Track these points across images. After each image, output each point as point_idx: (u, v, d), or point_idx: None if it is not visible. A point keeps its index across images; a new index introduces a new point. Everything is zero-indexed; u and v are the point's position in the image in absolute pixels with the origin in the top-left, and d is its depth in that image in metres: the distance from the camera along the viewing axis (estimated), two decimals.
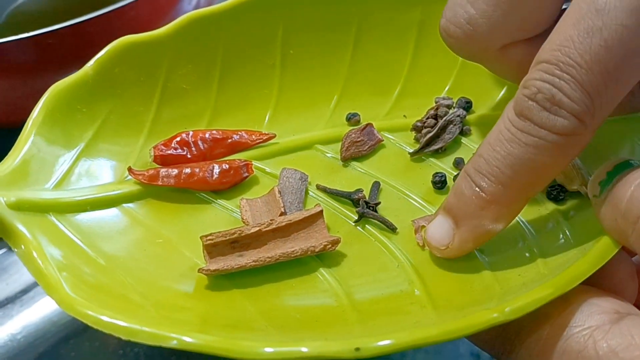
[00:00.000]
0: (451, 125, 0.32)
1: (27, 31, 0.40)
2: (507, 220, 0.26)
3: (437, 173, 0.30)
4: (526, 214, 0.28)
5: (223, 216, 0.30)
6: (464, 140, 0.33)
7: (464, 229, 0.26)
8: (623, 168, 0.24)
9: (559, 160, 0.24)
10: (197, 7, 0.50)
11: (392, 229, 0.29)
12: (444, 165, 0.32)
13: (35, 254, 0.23)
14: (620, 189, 0.23)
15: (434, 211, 0.30)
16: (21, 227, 0.24)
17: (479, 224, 0.25)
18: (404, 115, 0.34)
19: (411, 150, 0.32)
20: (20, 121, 0.28)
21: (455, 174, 0.31)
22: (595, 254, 0.24)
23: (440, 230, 0.26)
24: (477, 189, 0.25)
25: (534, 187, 0.25)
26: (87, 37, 0.41)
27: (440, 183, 0.30)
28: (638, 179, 0.23)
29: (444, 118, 0.32)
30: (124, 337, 0.21)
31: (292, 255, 0.27)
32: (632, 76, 0.23)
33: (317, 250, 0.27)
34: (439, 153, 0.32)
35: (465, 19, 0.25)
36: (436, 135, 0.32)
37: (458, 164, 0.31)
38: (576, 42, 0.22)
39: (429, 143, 0.32)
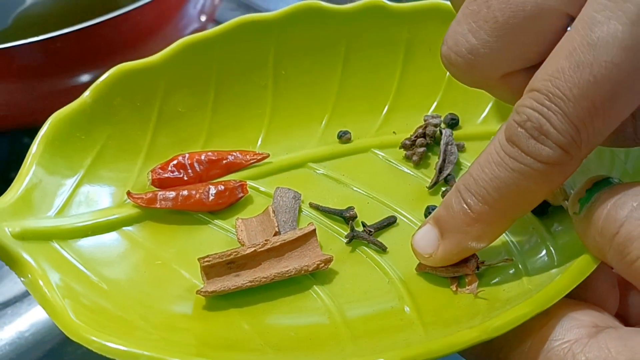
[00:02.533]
0: (449, 146, 0.33)
1: (33, 35, 0.40)
2: (490, 239, 0.27)
3: (430, 207, 0.31)
4: (512, 229, 0.29)
5: (219, 236, 0.31)
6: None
7: (448, 241, 0.27)
8: (602, 186, 0.25)
9: (543, 187, 0.24)
10: (202, 11, 0.50)
11: (382, 249, 0.30)
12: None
13: (41, 283, 0.24)
14: (597, 207, 0.24)
15: None
16: (27, 257, 0.25)
17: (463, 239, 0.26)
18: (394, 132, 0.35)
19: (428, 184, 0.33)
20: (26, 124, 0.28)
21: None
22: (576, 269, 0.25)
23: (426, 238, 0.27)
24: (464, 205, 0.26)
25: (519, 210, 0.26)
26: (93, 42, 0.42)
27: None
28: (614, 196, 0.24)
29: (441, 143, 0.33)
30: None
31: (287, 275, 0.28)
32: (620, 112, 0.23)
33: (310, 269, 0.28)
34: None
35: (467, 48, 0.25)
36: (443, 160, 0.33)
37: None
38: (566, 74, 0.22)
39: (441, 171, 0.32)
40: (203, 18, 0.51)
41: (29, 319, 0.38)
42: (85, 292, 0.26)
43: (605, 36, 0.21)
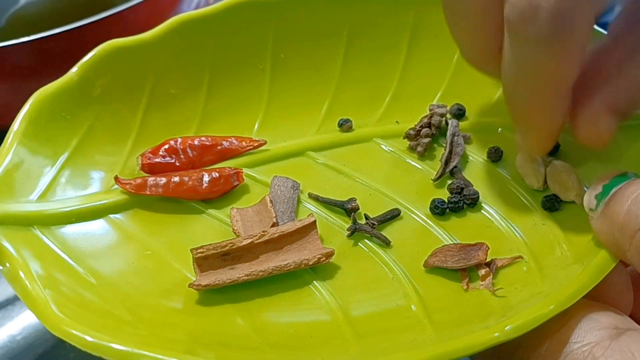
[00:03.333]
0: (456, 137, 0.31)
1: (27, 35, 0.39)
2: (560, 117, 0.26)
3: (435, 200, 0.29)
4: (522, 226, 0.28)
5: (213, 226, 0.29)
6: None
7: (533, 135, 0.28)
8: (620, 181, 0.24)
9: (564, 60, 0.24)
10: (197, 8, 0.49)
11: (386, 243, 0.28)
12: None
13: (21, 274, 0.22)
14: (616, 202, 0.23)
15: (427, 220, 0.29)
16: (6, 244, 0.23)
17: (539, 127, 0.27)
18: (397, 121, 0.33)
19: (434, 177, 0.31)
20: None
21: (451, 198, 0.30)
22: (594, 268, 0.24)
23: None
24: (519, 105, 0.27)
25: (561, 85, 0.25)
26: (86, 41, 0.40)
27: (438, 209, 0.29)
28: (635, 192, 0.23)
29: (448, 134, 0.31)
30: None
31: (285, 269, 0.27)
32: None
33: (310, 263, 0.27)
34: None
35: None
36: (449, 152, 0.31)
37: (451, 190, 0.30)
38: None
39: (447, 163, 0.31)
40: None
41: (21, 323, 0.36)
42: (68, 283, 0.24)
43: None
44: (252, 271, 0.26)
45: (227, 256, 0.27)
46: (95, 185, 0.29)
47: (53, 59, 0.41)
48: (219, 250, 0.26)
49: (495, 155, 0.31)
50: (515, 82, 0.25)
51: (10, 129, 0.27)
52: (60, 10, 0.52)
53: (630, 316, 0.26)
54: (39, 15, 0.52)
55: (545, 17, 0.22)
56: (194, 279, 0.26)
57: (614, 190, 0.24)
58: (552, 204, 0.29)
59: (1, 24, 0.52)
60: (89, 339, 0.21)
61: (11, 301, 0.37)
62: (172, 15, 0.41)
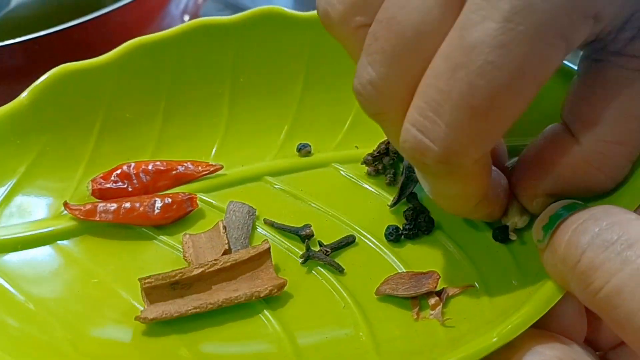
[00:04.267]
0: None
1: (19, 36, 0.39)
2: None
3: (390, 226, 0.29)
4: (476, 254, 0.28)
5: (165, 253, 0.29)
6: None
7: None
8: (566, 211, 0.24)
9: (455, 191, 0.24)
10: (184, 11, 0.49)
11: (339, 270, 0.28)
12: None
13: None
14: (559, 233, 0.23)
15: (382, 247, 0.29)
16: None
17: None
18: (356, 146, 0.33)
19: (390, 203, 0.31)
20: None
21: (406, 225, 0.30)
22: (541, 299, 0.24)
23: None
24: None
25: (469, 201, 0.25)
26: (75, 43, 0.41)
27: (393, 236, 0.29)
28: (575, 222, 0.23)
29: (404, 160, 0.31)
30: None
31: (236, 301, 0.26)
32: (502, 112, 0.21)
33: (262, 295, 0.26)
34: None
35: (367, 80, 0.23)
36: (406, 177, 0.31)
37: (406, 216, 0.30)
38: (444, 78, 0.20)
39: (403, 189, 0.31)
40: (186, 18, 0.51)
41: None
42: (7, 315, 0.23)
43: (481, 35, 0.20)
44: (202, 303, 0.26)
45: (177, 285, 0.26)
46: (44, 212, 0.28)
47: (44, 60, 0.40)
48: (168, 281, 0.26)
49: None
50: (430, 193, 0.25)
51: None
52: (51, 12, 0.52)
53: (586, 341, 0.26)
54: (30, 17, 0.52)
55: (432, 161, 0.21)
56: (142, 308, 0.26)
57: (558, 221, 0.24)
58: (504, 236, 0.28)
59: None
60: None
61: None
62: (160, 16, 0.41)
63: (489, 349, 0.22)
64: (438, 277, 0.26)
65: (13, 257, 0.26)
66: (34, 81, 0.29)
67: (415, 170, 0.25)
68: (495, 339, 0.22)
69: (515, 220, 0.27)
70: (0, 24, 0.52)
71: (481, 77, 0.20)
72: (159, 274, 0.26)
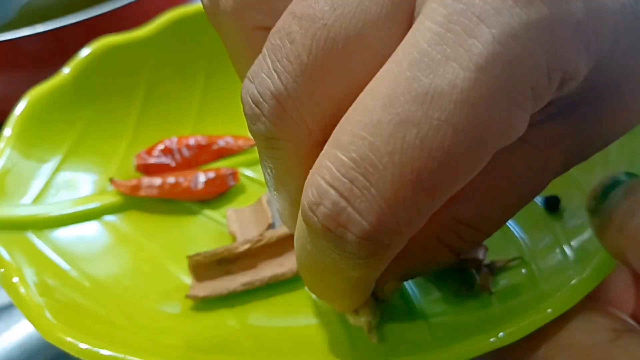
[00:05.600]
0: None
1: (40, 24, 0.39)
2: None
3: None
4: (522, 226, 0.28)
5: (209, 227, 0.29)
6: None
7: None
8: (619, 182, 0.24)
9: (364, 274, 0.18)
10: None
11: None
12: None
13: (15, 279, 0.22)
14: (617, 203, 0.23)
15: None
16: (0, 249, 0.23)
17: None
18: None
19: None
20: None
21: None
22: (594, 269, 0.23)
23: None
24: None
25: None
26: (100, 32, 0.40)
27: None
28: (634, 193, 0.23)
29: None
30: None
31: (282, 278, 0.26)
32: (453, 185, 0.16)
33: None
34: None
35: (273, 92, 0.17)
36: None
37: None
38: (384, 133, 0.15)
39: None
40: None
41: (20, 331, 0.36)
42: (62, 288, 0.24)
43: (441, 84, 0.15)
44: (249, 281, 0.26)
45: (224, 262, 0.26)
46: (90, 187, 0.29)
47: (65, 50, 0.40)
48: (216, 257, 0.26)
49: None
50: (308, 270, 0.19)
51: (3, 132, 0.26)
52: (70, 1, 0.51)
53: (631, 316, 0.26)
54: (51, 6, 0.52)
55: (355, 238, 0.16)
56: (189, 281, 0.26)
57: (614, 191, 0.23)
58: (552, 205, 0.28)
59: (13, 15, 0.51)
60: (82, 345, 0.21)
61: (8, 308, 0.37)
62: (185, 2, 0.41)
63: (543, 320, 0.22)
64: (486, 249, 0.26)
65: (63, 233, 0.26)
66: (60, 69, 0.29)
67: (297, 238, 0.18)
68: (550, 310, 0.22)
69: (369, 319, 0.23)
70: (21, 13, 0.52)
71: (436, 142, 0.15)
72: (206, 252, 0.26)
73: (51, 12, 0.51)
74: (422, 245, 0.21)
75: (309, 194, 0.16)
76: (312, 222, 0.17)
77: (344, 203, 0.16)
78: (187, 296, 0.25)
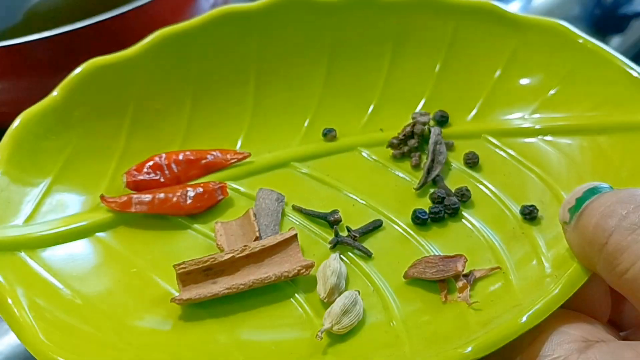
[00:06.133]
0: (438, 146, 0.32)
1: (44, 31, 0.39)
2: None
3: (417, 210, 0.30)
4: (502, 235, 0.28)
5: (198, 241, 0.30)
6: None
7: None
8: (592, 194, 0.24)
9: None
10: (214, 4, 0.49)
11: (367, 254, 0.29)
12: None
13: (9, 301, 0.23)
14: (587, 216, 0.23)
15: (409, 230, 0.29)
16: None
17: None
18: (381, 129, 0.34)
19: (416, 186, 0.31)
20: None
21: (432, 208, 0.30)
22: (568, 281, 0.24)
23: None
24: None
25: None
26: (105, 37, 0.41)
27: (419, 220, 0.30)
28: (603, 205, 0.23)
29: (430, 142, 0.32)
30: None
31: (266, 281, 0.27)
32: None
33: (290, 275, 0.27)
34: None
35: None
36: (432, 161, 0.31)
37: (433, 199, 0.30)
38: None
39: (429, 172, 0.31)
40: None
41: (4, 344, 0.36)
42: (55, 309, 0.24)
43: None
44: (233, 284, 0.27)
45: (210, 271, 0.27)
46: (81, 205, 0.29)
47: (71, 55, 0.39)
48: (201, 266, 0.27)
49: (472, 161, 0.32)
50: None
51: None
52: (77, 5, 0.51)
53: (609, 322, 0.26)
54: (56, 10, 0.52)
55: None
56: (178, 294, 0.27)
57: (585, 204, 0.24)
58: (530, 213, 0.29)
59: (18, 19, 0.51)
60: None
61: None
62: (192, 8, 0.41)
63: (518, 331, 0.22)
64: (465, 260, 0.27)
65: (55, 252, 0.27)
66: (68, 74, 0.30)
67: None
68: (524, 321, 0.22)
69: (332, 321, 0.25)
70: (26, 17, 0.52)
71: None
72: (191, 260, 0.27)
73: (56, 17, 0.51)
74: None
75: None
76: None
77: None
78: (172, 300, 0.26)
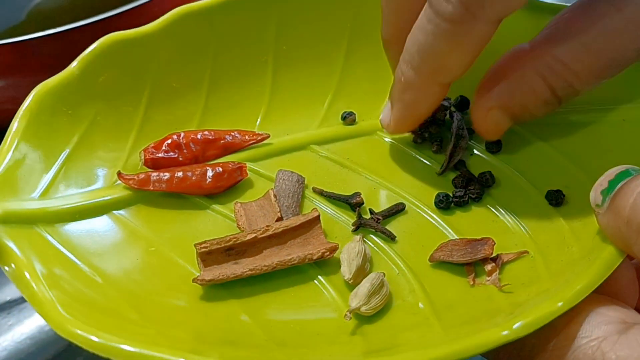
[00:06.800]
0: (460, 131, 0.31)
1: (47, 29, 0.39)
2: (424, 104, 0.29)
3: (440, 194, 0.29)
4: (528, 221, 0.28)
5: (217, 221, 0.29)
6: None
7: (394, 109, 0.29)
8: (624, 176, 0.24)
9: (454, 48, 0.25)
10: None
11: (391, 238, 0.28)
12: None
13: (26, 274, 0.22)
14: (622, 197, 0.23)
15: (432, 214, 0.29)
16: (10, 244, 0.23)
17: (402, 106, 0.29)
18: None
19: (438, 171, 0.31)
20: None
21: (456, 192, 0.29)
22: (602, 263, 0.24)
23: (385, 111, 0.30)
24: (400, 74, 0.28)
25: (440, 74, 0.27)
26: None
27: (443, 204, 0.29)
28: (639, 186, 0.23)
29: (452, 127, 0.31)
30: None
31: (289, 263, 0.26)
32: None
33: (314, 257, 0.27)
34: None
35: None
36: (454, 146, 0.31)
37: (455, 184, 0.30)
38: None
39: (451, 157, 0.30)
40: None
41: (30, 324, 0.36)
42: (74, 283, 0.24)
43: None
44: (256, 266, 0.26)
45: (231, 251, 0.27)
46: (98, 181, 0.29)
47: (75, 52, 0.41)
48: (223, 245, 0.26)
49: (495, 146, 0.31)
50: (409, 52, 0.27)
51: (10, 126, 0.26)
52: (80, 2, 0.51)
53: (636, 309, 0.26)
54: (59, 8, 0.52)
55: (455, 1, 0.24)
56: (198, 274, 0.26)
57: (619, 185, 0.24)
58: (557, 200, 0.28)
59: (21, 18, 0.52)
60: (94, 339, 0.21)
61: (20, 302, 0.37)
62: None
63: (554, 314, 0.22)
64: (493, 243, 0.27)
65: (72, 227, 0.26)
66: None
67: (422, 16, 0.25)
68: (560, 304, 0.22)
69: (360, 302, 0.25)
70: (29, 16, 0.52)
71: None
72: (213, 239, 0.26)
73: (59, 15, 0.52)
74: (521, 74, 0.27)
75: None
76: None
77: None
78: (194, 280, 0.25)
